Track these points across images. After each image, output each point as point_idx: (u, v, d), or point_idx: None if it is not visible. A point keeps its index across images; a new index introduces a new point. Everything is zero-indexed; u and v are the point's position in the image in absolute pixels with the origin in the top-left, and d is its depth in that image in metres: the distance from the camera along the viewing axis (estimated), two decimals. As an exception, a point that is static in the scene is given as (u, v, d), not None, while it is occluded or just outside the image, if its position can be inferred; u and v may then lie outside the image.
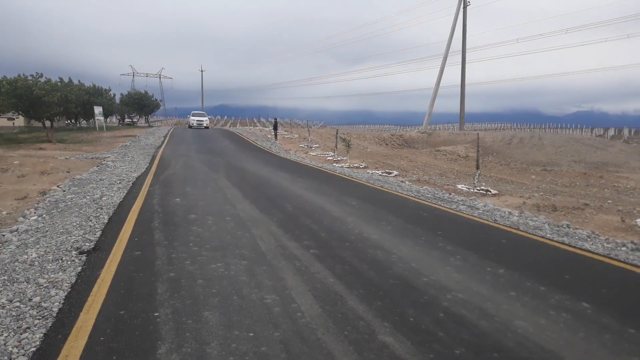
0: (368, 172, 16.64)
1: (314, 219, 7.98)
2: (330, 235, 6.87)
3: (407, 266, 5.51)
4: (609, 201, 12.19)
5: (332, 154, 23.53)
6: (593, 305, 4.48)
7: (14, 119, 50.15)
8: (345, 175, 15.18)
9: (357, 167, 18.44)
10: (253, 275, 5.02)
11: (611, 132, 48.63)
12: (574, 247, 6.73)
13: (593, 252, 6.45)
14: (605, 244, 7.02)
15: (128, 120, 70.21)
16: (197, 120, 47.56)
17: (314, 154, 24.43)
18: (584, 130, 52.03)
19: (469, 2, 45.53)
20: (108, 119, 58.16)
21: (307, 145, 29.05)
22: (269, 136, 36.24)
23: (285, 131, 45.15)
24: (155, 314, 3.99)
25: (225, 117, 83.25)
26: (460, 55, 46.33)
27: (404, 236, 6.97)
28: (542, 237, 7.29)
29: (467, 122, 53.98)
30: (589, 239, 7.28)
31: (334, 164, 19.45)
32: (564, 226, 8.15)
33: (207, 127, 47.08)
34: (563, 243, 6.93)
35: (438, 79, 47.48)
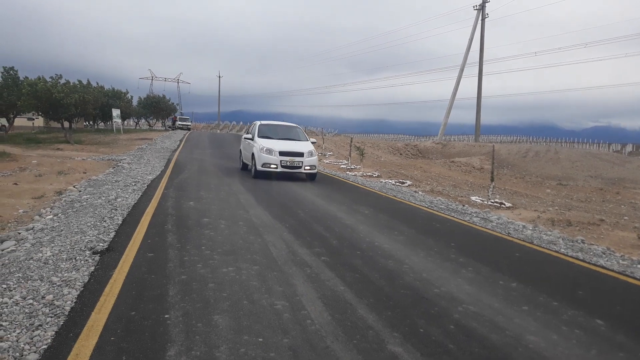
0: (381, 181, 16.61)
1: (326, 226, 7.98)
2: (341, 243, 6.86)
3: (419, 277, 5.48)
4: (626, 218, 12.01)
5: (346, 162, 23.53)
6: (607, 322, 4.41)
7: (33, 120, 51.01)
8: (358, 183, 15.16)
9: (370, 176, 18.42)
10: (264, 281, 5.03)
11: (629, 147, 47.93)
12: (589, 263, 6.64)
13: (608, 269, 6.36)
14: (620, 261, 6.91)
15: (181, 123, 56.41)
16: (284, 158, 14.03)
17: (327, 161, 24.46)
18: (601, 145, 51.40)
19: (487, 14, 45.45)
20: (125, 122, 58.01)
21: (321, 153, 29.11)
22: (284, 143, 36.31)
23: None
24: (166, 316, 4.01)
25: (241, 122, 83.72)
26: (477, 67, 46.20)
27: (415, 246, 6.93)
28: (556, 251, 7.21)
29: (482, 134, 53.68)
30: (604, 255, 7.18)
31: (347, 172, 19.45)
32: (579, 241, 8.05)
33: (312, 177, 14.76)
34: (577, 258, 6.84)
35: (454, 91, 47.41)
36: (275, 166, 13.92)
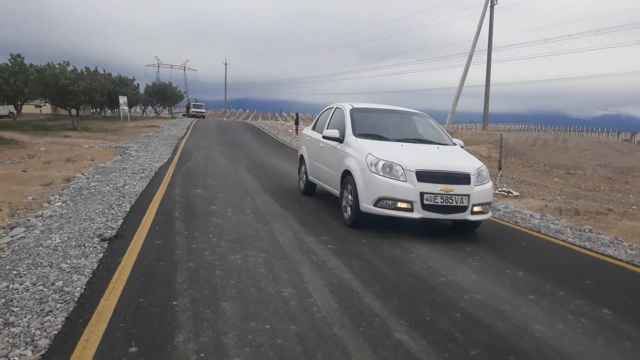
0: (388, 170, 16.55)
1: (333, 215, 7.99)
2: (348, 232, 6.87)
3: (425, 265, 5.48)
4: (634, 207, 11.94)
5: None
6: (614, 311, 4.41)
7: (41, 107, 51.20)
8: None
9: (377, 164, 18.35)
10: (271, 268, 5.06)
11: (638, 136, 47.48)
12: (596, 252, 6.62)
13: (616, 258, 6.34)
14: (628, 251, 6.89)
15: (195, 110, 52.92)
16: (429, 187, 6.21)
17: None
18: (610, 134, 50.94)
19: (496, 1, 44.89)
20: (132, 109, 57.74)
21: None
22: (290, 130, 36.32)
23: (307, 126, 45.16)
24: (174, 303, 4.05)
25: (247, 110, 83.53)
26: (486, 55, 45.73)
27: (421, 235, 6.92)
28: (564, 241, 7.19)
29: (490, 122, 53.28)
30: (611, 245, 7.16)
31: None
32: (587, 231, 8.02)
33: (478, 224, 6.95)
34: (585, 248, 6.82)
35: (462, 78, 46.98)
36: (407, 206, 6.39)
